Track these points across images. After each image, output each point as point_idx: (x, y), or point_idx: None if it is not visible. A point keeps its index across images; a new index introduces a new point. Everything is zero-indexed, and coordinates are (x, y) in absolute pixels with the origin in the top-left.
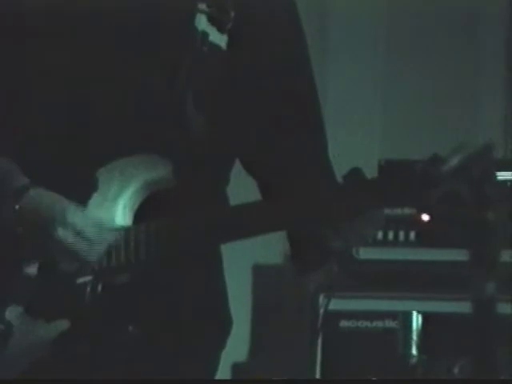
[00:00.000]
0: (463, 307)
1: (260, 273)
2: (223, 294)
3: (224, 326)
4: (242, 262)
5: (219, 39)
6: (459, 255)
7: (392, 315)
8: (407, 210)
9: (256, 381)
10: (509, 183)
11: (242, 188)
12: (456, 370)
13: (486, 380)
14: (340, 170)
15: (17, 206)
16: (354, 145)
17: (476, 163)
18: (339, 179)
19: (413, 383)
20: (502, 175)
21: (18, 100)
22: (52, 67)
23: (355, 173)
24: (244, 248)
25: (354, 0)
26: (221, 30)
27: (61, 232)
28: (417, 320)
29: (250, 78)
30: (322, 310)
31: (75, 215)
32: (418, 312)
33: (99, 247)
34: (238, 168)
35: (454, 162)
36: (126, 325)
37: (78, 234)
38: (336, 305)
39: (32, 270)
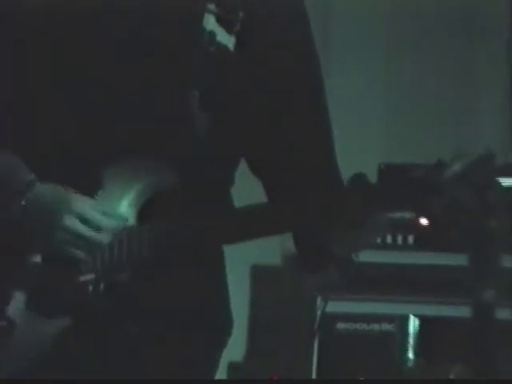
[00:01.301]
0: (461, 311)
1: (258, 273)
2: (225, 294)
3: (225, 326)
4: (240, 262)
5: (227, 39)
6: (458, 260)
7: (389, 318)
8: (406, 214)
9: (256, 381)
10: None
11: (247, 189)
12: (453, 375)
13: (486, 380)
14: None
15: (23, 202)
16: (354, 147)
17: (478, 169)
18: (344, 183)
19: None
20: (504, 181)
21: (26, 96)
22: (59, 65)
23: (359, 178)
24: (242, 248)
25: (359, 2)
26: (229, 30)
27: (68, 220)
28: (414, 324)
29: (257, 78)
30: (319, 312)
31: (81, 204)
32: (415, 316)
33: (106, 235)
34: (243, 169)
35: (456, 168)
36: (128, 323)
37: (85, 221)
38: (333, 307)
39: (35, 267)
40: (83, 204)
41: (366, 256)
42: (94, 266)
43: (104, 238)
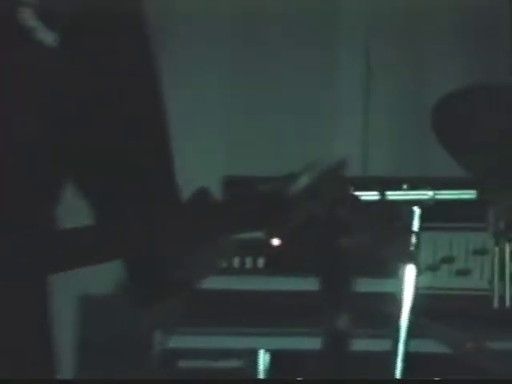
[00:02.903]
0: (316, 343)
1: (88, 304)
2: (48, 330)
3: (47, 367)
4: (67, 290)
5: (48, 36)
6: (312, 284)
7: (237, 354)
8: (255, 233)
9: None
10: (368, 204)
11: (73, 209)
12: None
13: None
14: (181, 186)
15: None
16: (194, 159)
17: (328, 182)
18: (184, 200)
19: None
20: (360, 195)
21: None
22: None
23: (201, 193)
24: (69, 275)
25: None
26: (51, 25)
27: None
28: (264, 359)
29: (85, 80)
30: (159, 348)
31: None
32: (267, 350)
33: None
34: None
35: (304, 180)
36: None
37: None
38: (175, 342)
39: None
40: None
41: (212, 282)
42: None
43: None
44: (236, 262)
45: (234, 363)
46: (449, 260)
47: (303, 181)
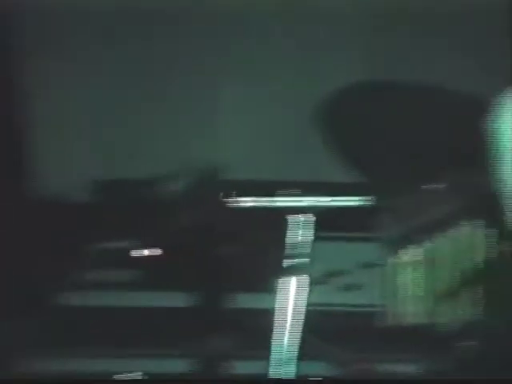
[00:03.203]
0: (190, 365)
1: None
2: None
3: None
4: None
5: None
6: (188, 300)
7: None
8: (126, 243)
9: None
10: (250, 210)
11: None
12: None
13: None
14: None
15: None
16: (63, 160)
17: (205, 186)
18: (44, 204)
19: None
20: (243, 201)
21: None
22: None
23: (64, 197)
24: None
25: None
26: None
27: None
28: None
29: None
30: (17, 371)
31: None
32: (143, 374)
33: None
34: None
35: (180, 184)
36: None
37: None
38: (36, 364)
39: None
40: None
41: (75, 298)
42: None
43: None
44: (103, 275)
45: None
46: (337, 273)
47: (179, 185)
